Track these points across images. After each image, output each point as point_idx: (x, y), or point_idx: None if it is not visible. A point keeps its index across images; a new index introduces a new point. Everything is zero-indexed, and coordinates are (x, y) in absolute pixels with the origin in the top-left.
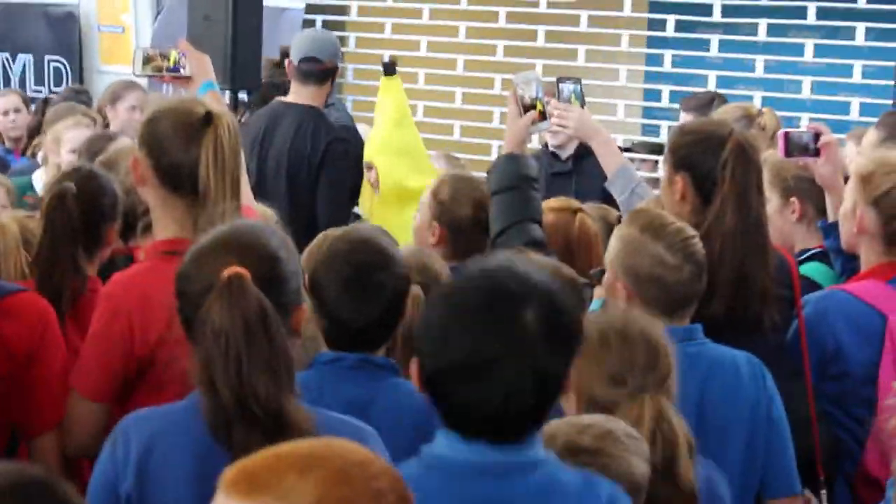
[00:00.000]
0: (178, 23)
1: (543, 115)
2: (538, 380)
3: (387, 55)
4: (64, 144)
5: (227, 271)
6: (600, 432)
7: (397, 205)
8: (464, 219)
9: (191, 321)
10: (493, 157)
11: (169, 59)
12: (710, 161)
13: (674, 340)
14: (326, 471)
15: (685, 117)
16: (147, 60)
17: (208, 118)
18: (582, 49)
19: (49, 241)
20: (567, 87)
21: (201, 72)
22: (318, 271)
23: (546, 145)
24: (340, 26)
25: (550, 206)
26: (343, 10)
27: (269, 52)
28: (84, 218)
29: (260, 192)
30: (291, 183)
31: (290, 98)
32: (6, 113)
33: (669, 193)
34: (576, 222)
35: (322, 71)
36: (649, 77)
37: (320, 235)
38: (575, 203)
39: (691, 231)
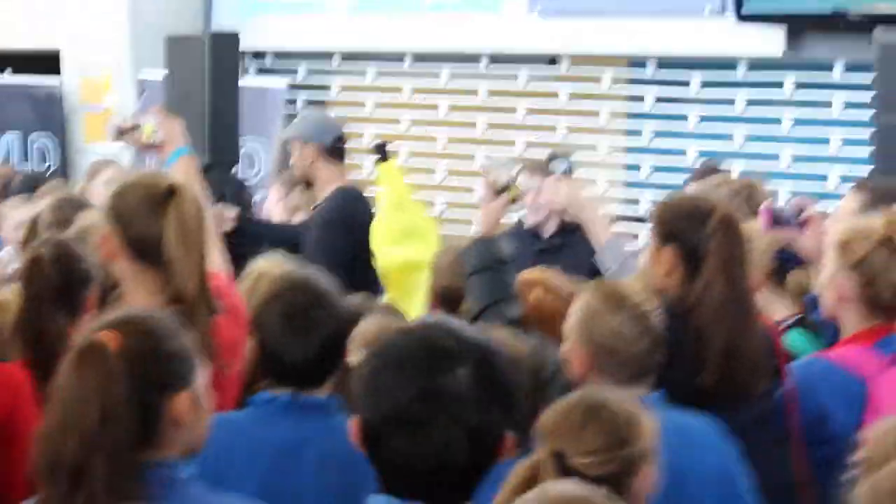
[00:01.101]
0: (159, 103)
1: (514, 200)
2: (472, 439)
3: (368, 133)
4: (6, 221)
5: (87, 336)
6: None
7: (405, 285)
8: (453, 290)
9: None
10: (475, 230)
11: (142, 130)
12: (697, 234)
13: None
14: None
15: (693, 187)
16: (120, 131)
17: (171, 191)
18: (562, 122)
19: (29, 307)
20: (558, 164)
21: (173, 137)
22: (259, 310)
23: (521, 224)
24: (321, 105)
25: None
26: (324, 88)
27: (251, 130)
28: (62, 282)
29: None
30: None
31: (331, 179)
32: None
33: (657, 265)
34: (529, 298)
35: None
36: (630, 150)
37: (253, 275)
38: (533, 277)
39: (651, 304)
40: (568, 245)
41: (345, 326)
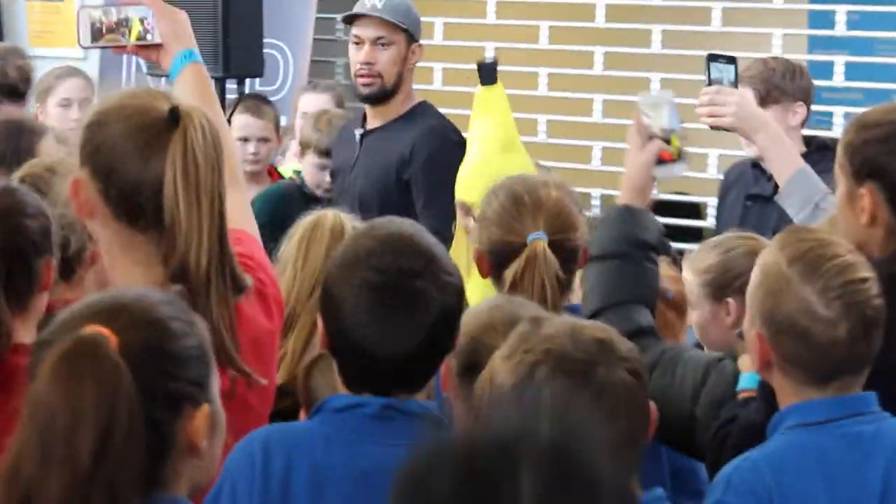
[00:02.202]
0: None
1: (679, 155)
2: None
3: (439, 25)
4: None
5: (83, 331)
6: None
7: None
8: (505, 246)
9: None
10: (595, 163)
11: (128, 26)
12: None
13: (830, 417)
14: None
15: None
16: (97, 31)
17: (174, 117)
18: (717, 8)
19: None
20: (720, 68)
21: (177, 36)
22: (334, 278)
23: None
24: None
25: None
26: None
27: (272, 29)
28: (4, 249)
29: None
30: None
31: (410, 93)
32: None
33: (850, 213)
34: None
35: None
36: (815, 44)
37: (308, 227)
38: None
39: (864, 271)
40: None
41: (457, 303)
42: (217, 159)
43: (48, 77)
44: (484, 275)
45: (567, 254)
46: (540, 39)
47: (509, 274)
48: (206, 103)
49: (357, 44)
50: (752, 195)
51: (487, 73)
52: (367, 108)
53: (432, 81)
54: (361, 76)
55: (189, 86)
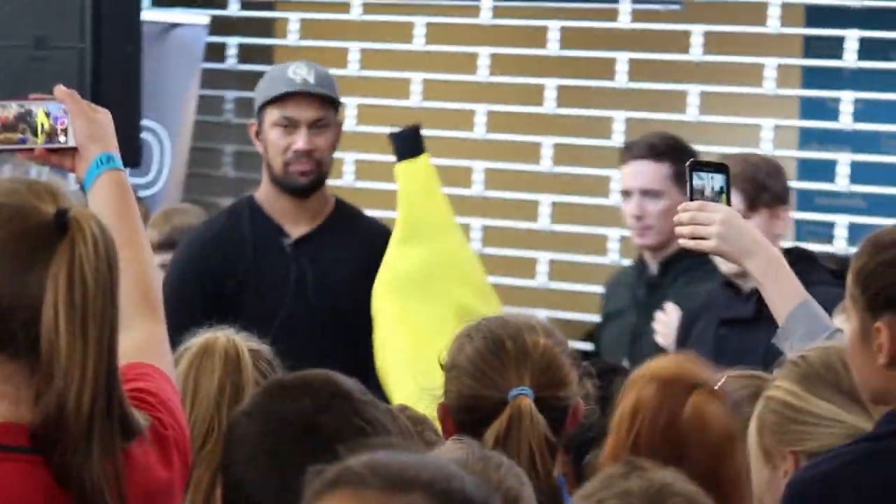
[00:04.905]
0: None
1: None
2: None
3: (352, 107)
4: None
5: None
6: None
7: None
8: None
9: None
10: (543, 221)
11: (32, 123)
12: None
13: None
14: None
15: None
16: None
17: (61, 224)
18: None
19: None
20: (705, 177)
21: (95, 138)
22: (238, 445)
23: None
24: (266, 55)
25: (655, 372)
26: (269, 26)
27: (145, 111)
28: None
29: None
30: None
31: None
32: None
33: (864, 354)
34: (687, 406)
35: None
36: (806, 136)
37: (195, 353)
38: (695, 373)
39: None
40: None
41: None
42: (111, 279)
43: None
44: (447, 435)
45: (556, 414)
46: (478, 69)
47: (490, 436)
48: (125, 218)
49: (286, 126)
50: (727, 320)
51: (405, 144)
52: (286, 206)
53: None
54: (298, 164)
55: (105, 197)
